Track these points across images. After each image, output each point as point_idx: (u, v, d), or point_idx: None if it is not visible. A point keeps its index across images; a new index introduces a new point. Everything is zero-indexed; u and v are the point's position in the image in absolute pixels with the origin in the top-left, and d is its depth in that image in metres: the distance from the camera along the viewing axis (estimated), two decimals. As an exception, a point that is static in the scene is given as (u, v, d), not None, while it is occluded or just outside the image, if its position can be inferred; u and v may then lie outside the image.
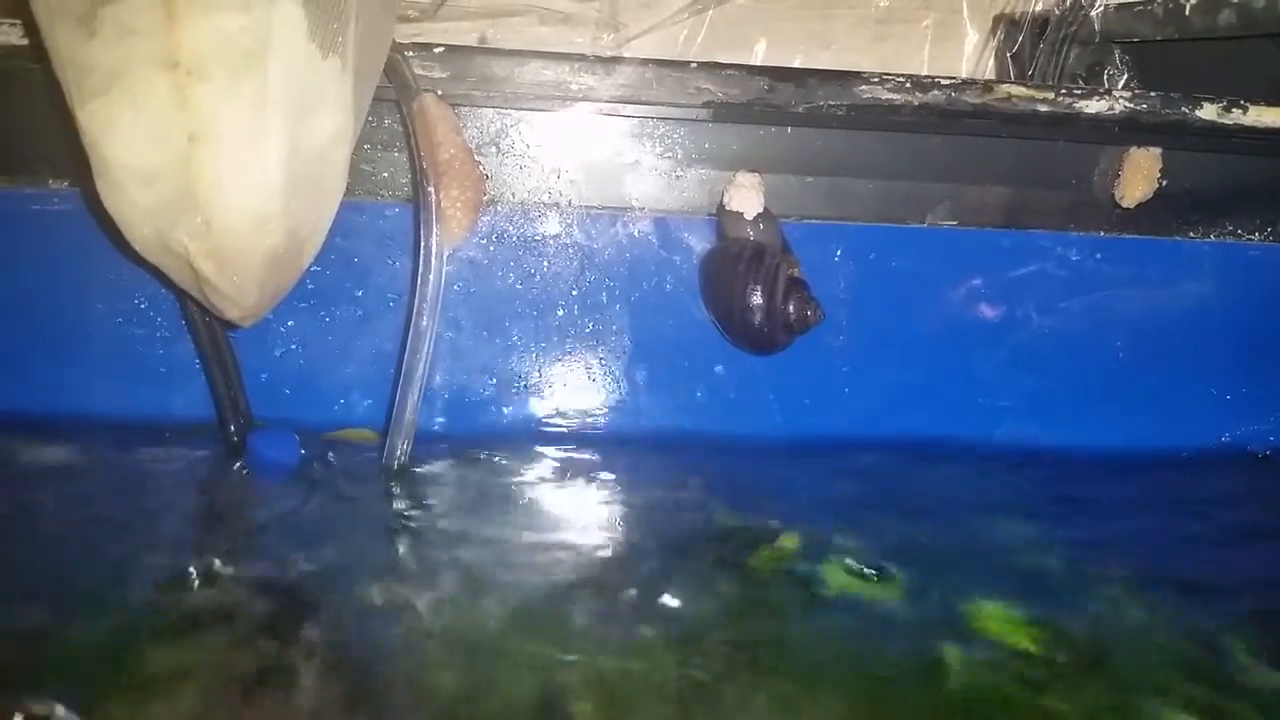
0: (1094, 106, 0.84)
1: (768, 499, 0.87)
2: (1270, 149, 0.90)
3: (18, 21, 0.76)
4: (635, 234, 0.92)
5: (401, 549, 0.76)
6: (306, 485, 0.83)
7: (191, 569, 0.70)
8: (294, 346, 0.91)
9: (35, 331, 0.89)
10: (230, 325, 0.77)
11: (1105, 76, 1.07)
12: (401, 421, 0.82)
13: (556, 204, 0.90)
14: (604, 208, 0.91)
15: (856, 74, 0.82)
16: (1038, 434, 0.98)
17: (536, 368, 0.94)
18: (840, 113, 0.82)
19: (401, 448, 0.83)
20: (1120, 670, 0.65)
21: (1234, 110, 0.84)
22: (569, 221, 0.91)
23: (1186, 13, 0.96)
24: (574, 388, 0.94)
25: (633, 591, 0.70)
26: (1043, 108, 0.83)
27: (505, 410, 0.94)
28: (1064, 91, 0.84)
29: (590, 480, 0.88)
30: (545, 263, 0.92)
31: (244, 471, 0.86)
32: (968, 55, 1.24)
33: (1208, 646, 0.69)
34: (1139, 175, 0.91)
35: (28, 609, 0.65)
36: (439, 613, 0.67)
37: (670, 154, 0.89)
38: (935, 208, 0.93)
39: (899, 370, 0.97)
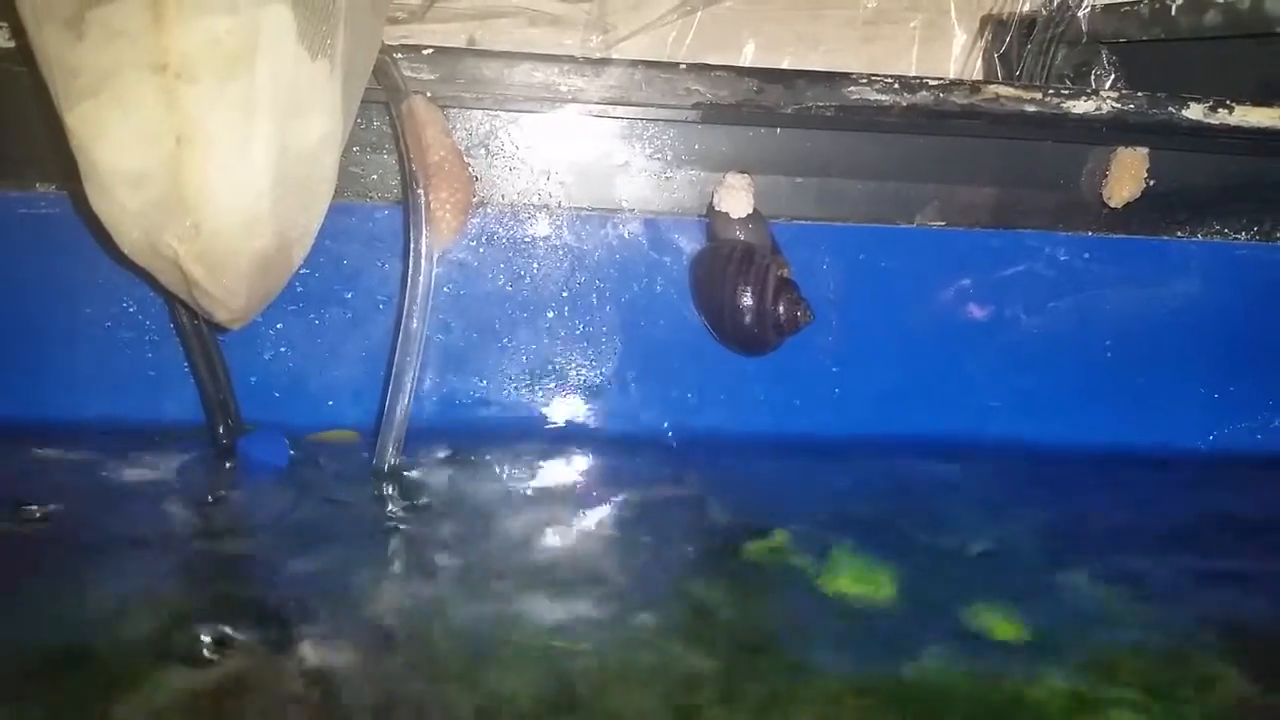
0: (1081, 107, 0.84)
1: (761, 497, 0.88)
2: (1257, 149, 0.90)
3: (4, 24, 0.75)
4: (625, 235, 0.92)
5: (394, 551, 0.76)
6: (297, 488, 0.83)
7: (180, 573, 0.70)
8: (283, 349, 0.91)
9: (24, 336, 0.89)
10: (219, 328, 0.77)
11: (1092, 77, 1.07)
12: (392, 424, 0.82)
13: (546, 206, 0.90)
14: (594, 209, 0.91)
15: (845, 75, 0.82)
16: (1026, 433, 0.98)
17: (527, 369, 0.94)
18: (829, 114, 0.83)
19: (392, 450, 0.83)
20: (1113, 669, 0.65)
21: (1220, 110, 0.85)
22: (559, 223, 0.91)
23: (1173, 13, 0.96)
24: (565, 389, 0.94)
25: (628, 589, 0.70)
26: (1030, 108, 0.84)
27: (496, 411, 0.94)
28: (1051, 92, 0.84)
29: (582, 480, 0.88)
30: (535, 264, 0.92)
31: (234, 474, 0.85)
32: (955, 56, 1.24)
33: (1198, 644, 0.69)
34: (1126, 175, 0.91)
35: (13, 614, 0.65)
36: (433, 613, 0.67)
37: (660, 155, 0.90)
38: (924, 208, 0.93)
39: (889, 370, 0.97)
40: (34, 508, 0.77)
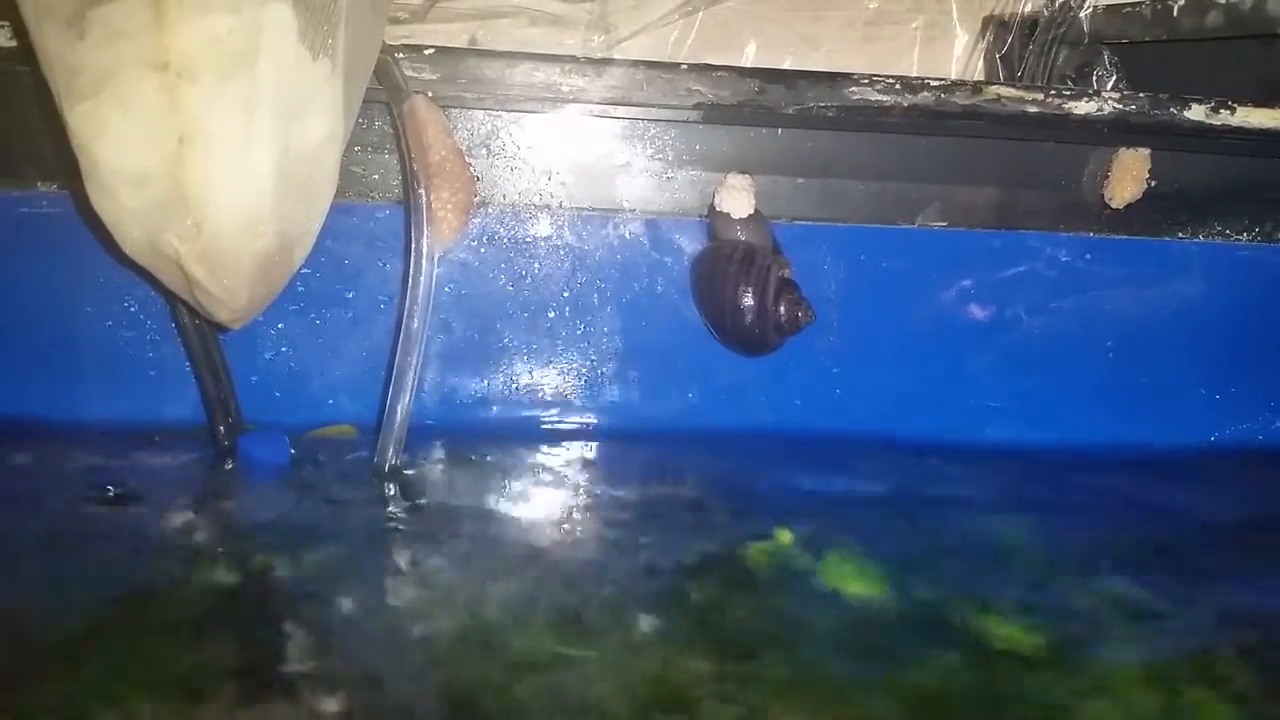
0: (1083, 108, 0.84)
1: (761, 498, 0.88)
2: (1258, 149, 0.90)
3: (6, 23, 0.76)
4: (626, 235, 0.92)
5: (394, 550, 0.76)
6: (298, 487, 0.83)
7: (182, 572, 0.70)
8: (284, 349, 0.91)
9: (25, 335, 0.89)
10: (220, 327, 0.77)
11: (1094, 78, 1.08)
12: (393, 423, 0.82)
13: (547, 206, 0.90)
14: (595, 209, 0.91)
15: (846, 75, 0.82)
16: (1027, 433, 0.98)
17: (528, 369, 0.94)
18: (830, 114, 0.83)
19: (393, 449, 0.83)
20: (1114, 671, 0.65)
21: (1222, 111, 0.85)
22: (560, 223, 0.91)
23: (1174, 14, 0.96)
24: (566, 389, 0.94)
25: (627, 589, 0.70)
26: (1032, 109, 0.83)
27: (497, 411, 0.94)
28: (1053, 93, 0.84)
29: (583, 480, 0.88)
30: (536, 264, 0.92)
31: (234, 473, 0.85)
32: (957, 56, 1.25)
33: (1202, 647, 0.69)
34: (1128, 176, 0.91)
35: (17, 611, 0.65)
36: (434, 613, 0.67)
37: (661, 155, 0.90)
38: (925, 209, 0.93)
39: (890, 370, 0.97)
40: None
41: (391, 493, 0.82)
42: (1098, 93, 0.85)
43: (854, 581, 0.73)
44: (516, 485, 0.86)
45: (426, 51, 0.80)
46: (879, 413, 0.97)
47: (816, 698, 0.61)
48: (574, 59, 0.81)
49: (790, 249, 0.90)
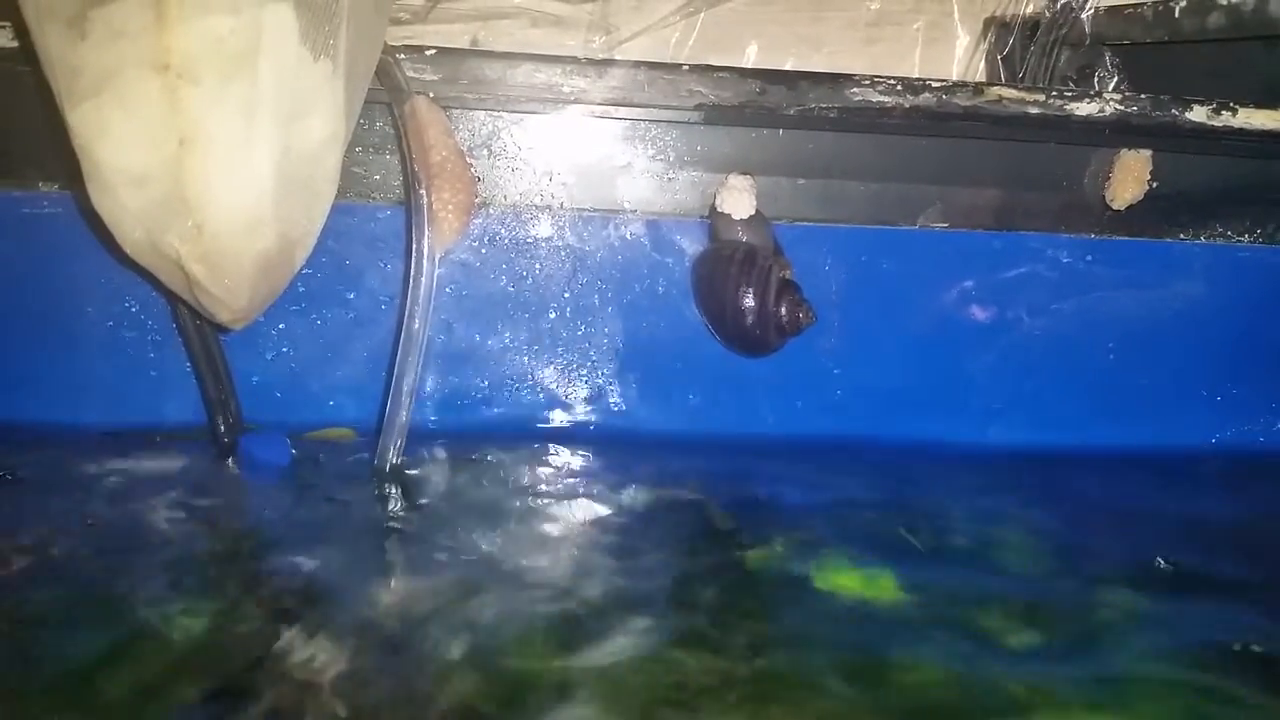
0: (1085, 109, 0.84)
1: (762, 499, 0.88)
2: (1260, 151, 0.90)
3: (7, 24, 0.76)
4: (627, 236, 0.92)
5: (394, 551, 0.76)
6: (299, 488, 0.83)
7: (183, 573, 0.70)
8: (285, 349, 0.91)
9: (26, 335, 0.89)
10: (221, 328, 0.77)
11: (1096, 79, 1.08)
12: (394, 424, 0.82)
13: (549, 206, 0.90)
14: (596, 210, 0.91)
15: (848, 76, 0.82)
16: (1029, 435, 0.98)
17: (529, 370, 0.94)
18: (831, 115, 0.83)
19: (394, 450, 0.83)
20: (1111, 671, 0.65)
21: (1224, 112, 0.85)
22: (561, 224, 0.91)
23: (1176, 15, 0.96)
24: (567, 390, 0.94)
25: (627, 591, 0.70)
26: (1033, 110, 0.83)
27: (498, 412, 0.94)
28: (1055, 94, 0.84)
29: (584, 481, 0.88)
30: (537, 265, 0.92)
31: (235, 473, 0.85)
32: (958, 58, 1.24)
33: (1201, 649, 0.69)
34: (1129, 177, 0.91)
35: (19, 614, 0.65)
36: (432, 613, 0.67)
37: (662, 156, 0.90)
38: (927, 210, 0.93)
39: (891, 372, 0.97)
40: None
41: (392, 493, 0.82)
42: (1099, 94, 0.85)
43: (854, 583, 0.73)
44: (517, 486, 0.86)
45: (428, 52, 0.80)
46: (880, 414, 0.97)
47: (818, 700, 0.61)
48: (575, 60, 0.81)
49: (791, 250, 0.90)
